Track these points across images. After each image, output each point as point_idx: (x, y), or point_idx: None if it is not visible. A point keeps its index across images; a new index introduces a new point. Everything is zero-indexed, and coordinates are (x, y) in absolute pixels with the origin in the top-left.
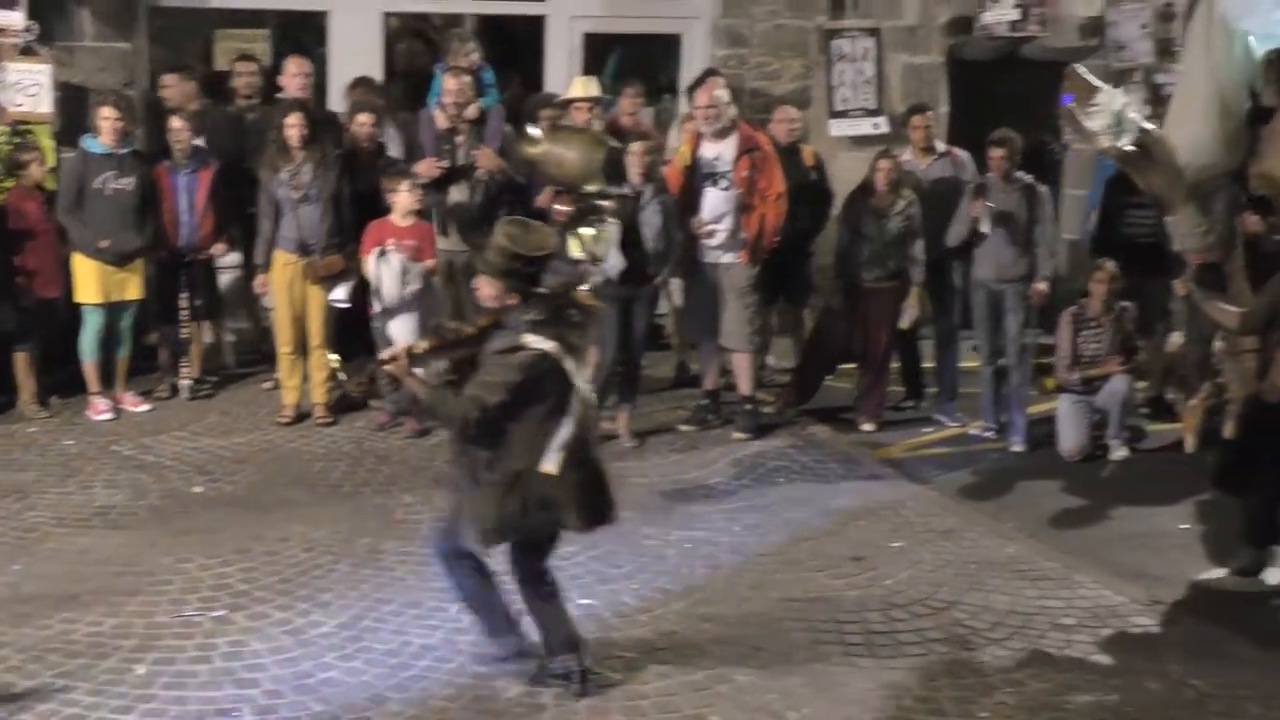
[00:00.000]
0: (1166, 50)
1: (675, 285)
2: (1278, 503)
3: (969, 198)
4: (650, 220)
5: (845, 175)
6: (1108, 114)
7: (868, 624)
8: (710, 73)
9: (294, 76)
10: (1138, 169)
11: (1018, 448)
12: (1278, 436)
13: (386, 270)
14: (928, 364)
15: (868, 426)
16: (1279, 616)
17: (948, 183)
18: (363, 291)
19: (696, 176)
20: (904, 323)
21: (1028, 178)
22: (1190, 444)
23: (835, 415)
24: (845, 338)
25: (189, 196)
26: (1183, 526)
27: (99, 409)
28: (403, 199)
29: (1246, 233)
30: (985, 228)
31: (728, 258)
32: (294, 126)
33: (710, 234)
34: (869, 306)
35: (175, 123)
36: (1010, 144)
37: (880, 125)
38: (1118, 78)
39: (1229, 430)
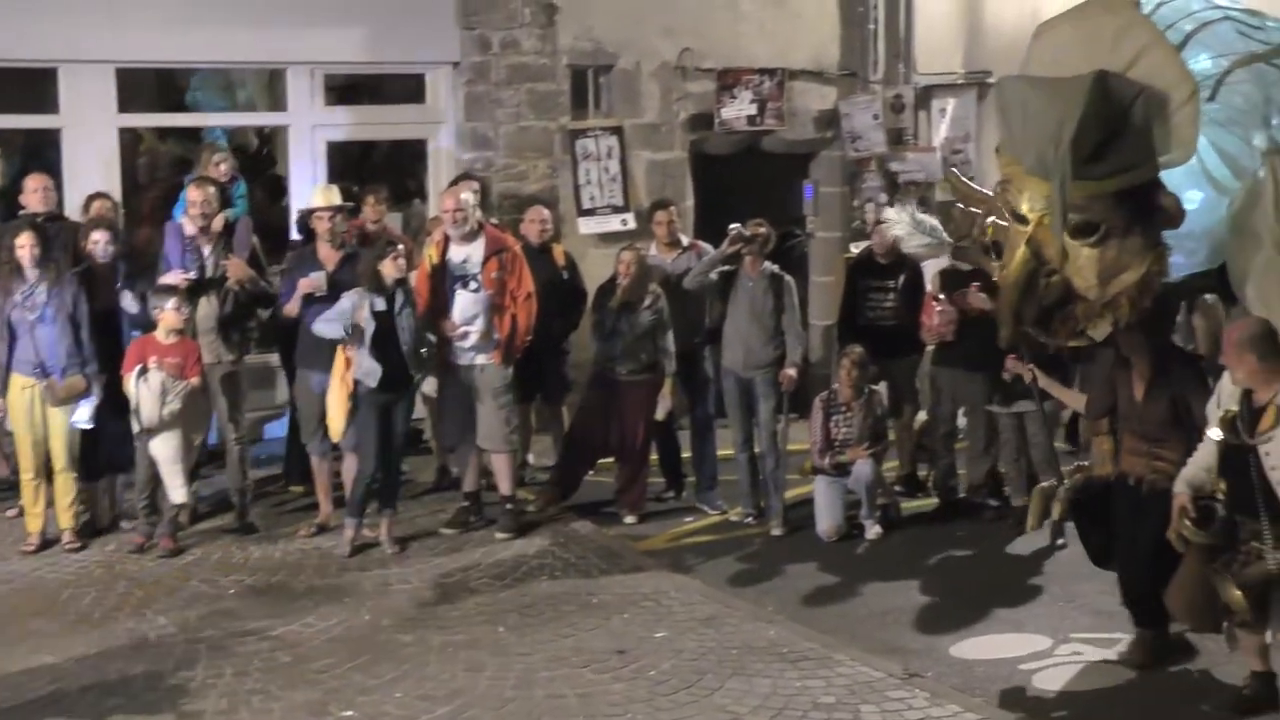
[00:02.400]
0: (899, 140)
1: (430, 387)
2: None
3: (727, 242)
4: (405, 324)
5: (596, 272)
6: (901, 224)
7: (634, 715)
8: (464, 176)
9: (34, 192)
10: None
11: (777, 531)
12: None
13: (145, 390)
14: (686, 454)
15: (630, 519)
16: (1029, 684)
17: None
18: (110, 411)
19: (446, 279)
20: (659, 414)
21: (773, 267)
22: (1031, 524)
23: (597, 510)
24: (603, 432)
25: None
26: (933, 599)
27: None
28: (168, 317)
29: (972, 309)
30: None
31: (481, 359)
32: (25, 247)
33: (463, 336)
34: (624, 400)
35: None
36: (762, 234)
37: (628, 221)
38: (854, 168)
39: (1056, 512)
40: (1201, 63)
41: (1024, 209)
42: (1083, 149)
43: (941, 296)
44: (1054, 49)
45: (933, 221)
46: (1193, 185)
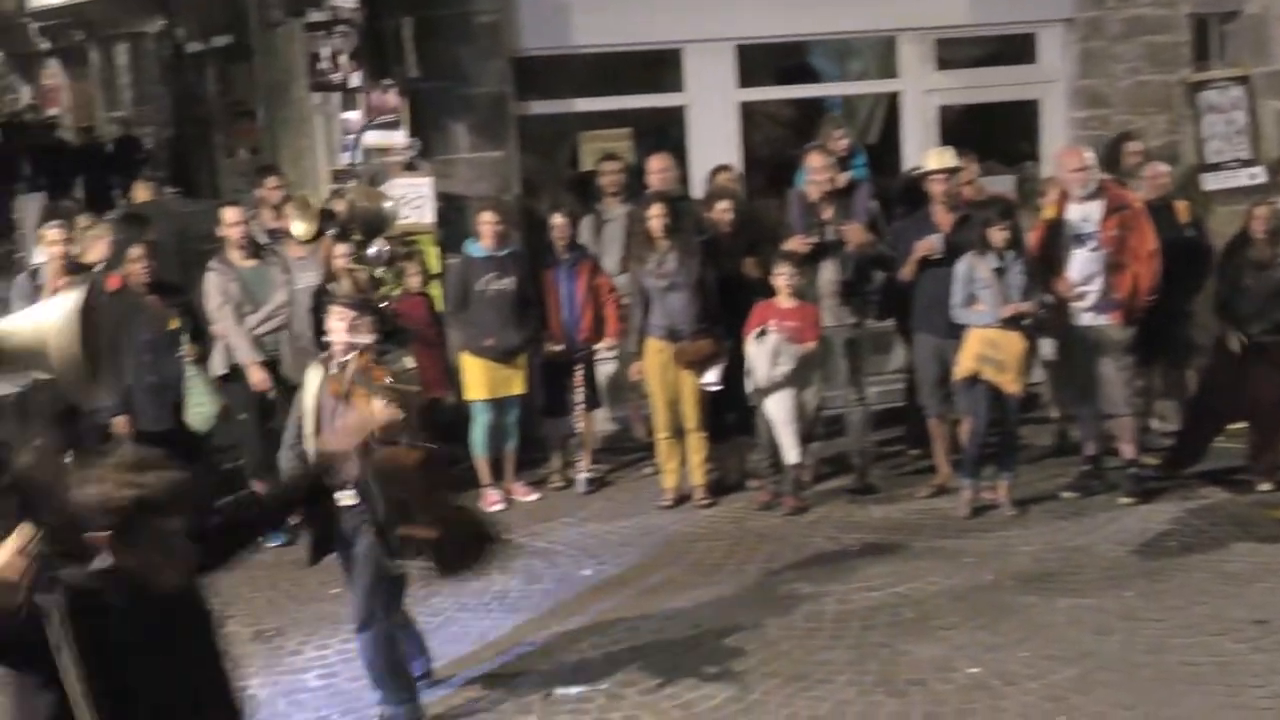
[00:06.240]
0: None
1: (1049, 350)
2: None
3: None
4: (1014, 284)
5: (1223, 229)
6: None
7: (1276, 688)
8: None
9: (657, 172)
10: None
11: None
12: None
13: (760, 350)
14: None
15: (1265, 486)
16: None
17: None
18: (736, 374)
19: (1063, 238)
20: None
21: None
22: None
23: (1227, 476)
24: (1232, 396)
25: (569, 292)
26: None
27: (491, 500)
28: (787, 281)
29: None
30: None
31: (1101, 320)
32: (657, 217)
33: (1080, 296)
34: (1255, 361)
35: (557, 219)
36: None
37: (1257, 175)
38: None
39: None
40: None
41: None
42: None
43: None
44: None
45: None
46: None
